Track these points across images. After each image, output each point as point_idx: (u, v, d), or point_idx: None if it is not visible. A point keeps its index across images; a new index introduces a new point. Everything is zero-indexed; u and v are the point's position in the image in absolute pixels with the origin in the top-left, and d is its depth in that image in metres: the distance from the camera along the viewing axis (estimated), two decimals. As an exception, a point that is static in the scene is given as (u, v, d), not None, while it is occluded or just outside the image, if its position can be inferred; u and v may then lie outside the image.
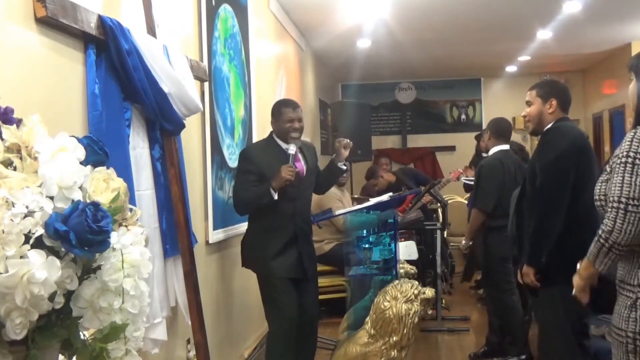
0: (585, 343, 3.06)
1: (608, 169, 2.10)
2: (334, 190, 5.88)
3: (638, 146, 1.98)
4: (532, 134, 3.35)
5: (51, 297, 1.17)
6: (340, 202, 5.76)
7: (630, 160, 1.98)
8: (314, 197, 4.10)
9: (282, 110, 3.72)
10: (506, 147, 4.85)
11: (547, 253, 3.01)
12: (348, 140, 3.88)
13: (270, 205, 3.53)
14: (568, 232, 2.96)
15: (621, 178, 1.99)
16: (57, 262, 1.16)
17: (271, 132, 3.79)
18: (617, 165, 2.01)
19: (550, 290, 3.03)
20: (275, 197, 3.49)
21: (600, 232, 2.05)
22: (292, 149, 3.62)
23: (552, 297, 3.01)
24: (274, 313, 3.64)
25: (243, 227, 4.01)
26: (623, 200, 1.98)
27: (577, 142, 3.09)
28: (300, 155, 3.74)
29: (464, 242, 5.08)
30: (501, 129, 4.90)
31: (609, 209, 2.02)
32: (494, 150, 4.87)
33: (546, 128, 3.20)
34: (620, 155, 2.01)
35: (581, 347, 3.02)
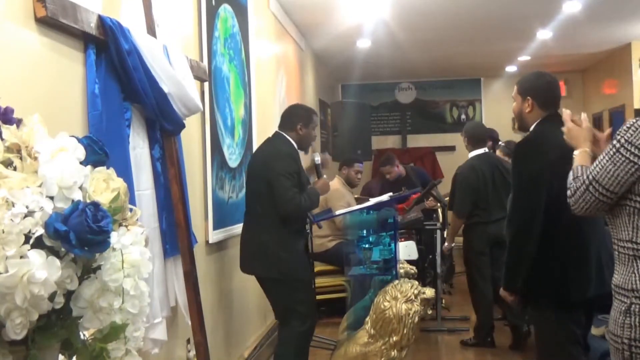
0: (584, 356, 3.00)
1: None
2: (341, 188, 5.92)
3: (631, 136, 1.96)
4: (519, 129, 3.19)
5: (51, 297, 1.16)
6: (345, 201, 5.77)
7: (617, 146, 1.99)
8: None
9: (314, 118, 3.77)
10: (481, 151, 5.21)
11: (534, 275, 2.86)
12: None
13: None
14: (557, 254, 2.82)
15: (601, 158, 2.03)
16: (57, 262, 1.16)
17: (280, 134, 3.76)
18: (609, 144, 2.04)
19: (545, 312, 2.91)
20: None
21: (577, 180, 2.10)
22: (318, 158, 3.72)
23: (546, 315, 2.91)
24: (301, 312, 3.63)
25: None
26: (590, 177, 2.04)
27: (557, 158, 2.70)
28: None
29: (446, 244, 5.48)
30: (477, 136, 5.29)
31: (579, 177, 2.09)
32: (470, 155, 5.22)
33: (526, 134, 3.01)
34: (615, 136, 2.02)
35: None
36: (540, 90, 2.96)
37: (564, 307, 2.84)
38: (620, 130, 2.00)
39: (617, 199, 2.02)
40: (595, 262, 2.81)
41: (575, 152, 2.27)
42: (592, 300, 2.87)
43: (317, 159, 3.73)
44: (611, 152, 2.00)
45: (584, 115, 2.37)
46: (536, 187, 2.81)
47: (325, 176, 3.72)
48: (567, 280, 2.80)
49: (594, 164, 2.06)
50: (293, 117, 3.76)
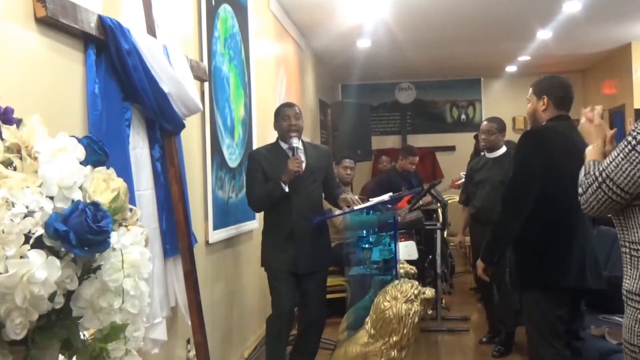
0: (575, 344, 3.04)
1: None
2: None
3: None
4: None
5: (51, 297, 1.17)
6: None
7: (633, 143, 1.88)
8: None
9: (280, 110, 3.96)
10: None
11: (522, 259, 3.04)
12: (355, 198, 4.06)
13: (274, 202, 3.76)
14: (542, 239, 2.94)
15: (615, 155, 1.93)
16: (57, 262, 1.16)
17: (277, 137, 3.97)
18: (623, 141, 1.92)
19: (527, 295, 3.05)
20: (287, 189, 3.72)
21: (588, 176, 2.01)
22: (295, 142, 3.83)
23: (529, 302, 3.03)
24: (273, 300, 3.85)
25: (243, 227, 4.02)
26: (604, 175, 1.93)
27: (561, 155, 2.89)
28: (301, 153, 3.88)
29: None
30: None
31: (592, 174, 1.98)
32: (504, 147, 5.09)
33: (529, 129, 3.13)
34: (630, 132, 1.91)
35: (570, 348, 3.00)
36: (556, 89, 3.07)
37: (544, 290, 2.96)
38: (636, 126, 1.89)
39: (631, 200, 1.92)
40: (577, 257, 2.92)
41: (588, 148, 2.20)
42: (575, 295, 2.98)
43: (294, 141, 3.84)
44: (626, 150, 1.89)
45: (597, 109, 2.35)
46: (533, 174, 2.92)
47: (298, 155, 3.79)
48: (550, 266, 2.94)
49: (607, 161, 1.94)
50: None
